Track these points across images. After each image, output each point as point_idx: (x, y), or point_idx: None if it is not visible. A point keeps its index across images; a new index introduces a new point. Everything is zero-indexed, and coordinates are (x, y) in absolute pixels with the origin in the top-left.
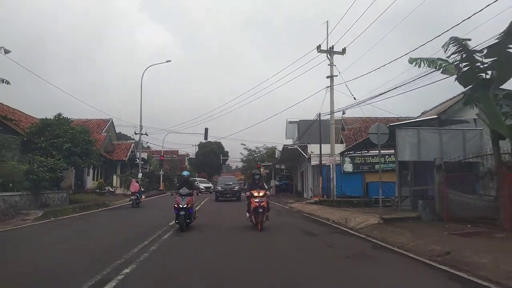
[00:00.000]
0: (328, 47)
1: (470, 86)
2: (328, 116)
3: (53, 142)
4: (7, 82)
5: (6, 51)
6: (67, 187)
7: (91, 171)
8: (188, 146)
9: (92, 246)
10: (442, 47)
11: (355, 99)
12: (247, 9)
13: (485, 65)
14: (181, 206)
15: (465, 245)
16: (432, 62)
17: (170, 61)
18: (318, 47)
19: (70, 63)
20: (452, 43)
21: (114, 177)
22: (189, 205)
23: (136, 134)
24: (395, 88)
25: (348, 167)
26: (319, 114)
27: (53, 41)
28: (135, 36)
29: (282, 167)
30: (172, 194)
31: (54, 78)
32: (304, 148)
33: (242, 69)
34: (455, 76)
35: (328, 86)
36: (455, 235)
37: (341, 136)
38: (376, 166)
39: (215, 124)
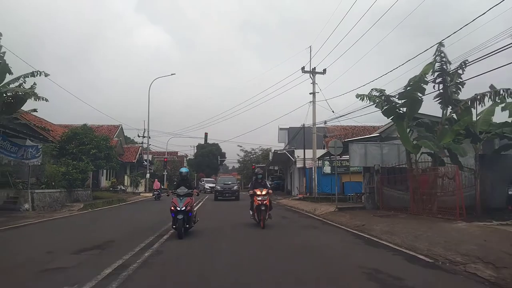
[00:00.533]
0: (311, 68)
1: (392, 117)
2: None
3: (82, 148)
4: (46, 100)
5: (46, 74)
6: (87, 185)
7: (104, 171)
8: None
9: (134, 224)
10: (368, 94)
11: (333, 112)
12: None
13: (399, 104)
14: (178, 208)
15: (375, 221)
16: (370, 98)
17: (174, 74)
18: (303, 68)
19: (65, 62)
20: (374, 90)
21: (126, 177)
22: (188, 207)
23: (139, 136)
24: (360, 109)
25: (327, 169)
26: (303, 125)
27: (48, 41)
28: (132, 36)
29: (276, 168)
30: (168, 195)
31: (49, 78)
32: (292, 153)
33: (238, 69)
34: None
35: (311, 101)
36: (376, 217)
37: (323, 142)
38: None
39: (213, 126)
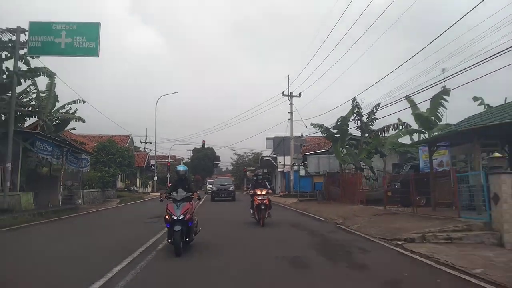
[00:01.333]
0: (289, 93)
1: (331, 140)
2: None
3: (110, 158)
4: (83, 121)
5: (84, 101)
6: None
7: (119, 175)
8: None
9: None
10: (318, 124)
11: (306, 127)
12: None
13: (334, 132)
14: (175, 217)
15: (315, 206)
16: (320, 127)
17: (177, 92)
18: (282, 93)
19: (56, 64)
20: (315, 125)
21: (138, 179)
22: (187, 216)
23: (141, 142)
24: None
25: (302, 172)
26: (283, 138)
27: None
28: (125, 37)
29: (265, 170)
30: (161, 199)
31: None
32: (275, 159)
33: (231, 71)
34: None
35: (289, 119)
36: (317, 204)
37: (301, 150)
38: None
39: (209, 132)
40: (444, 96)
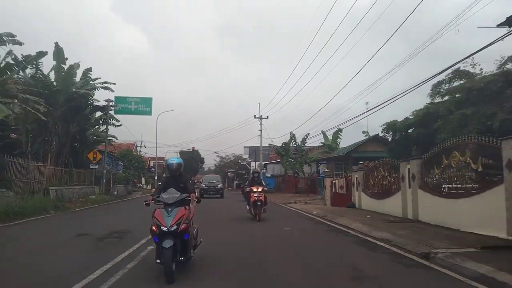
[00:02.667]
0: (260, 116)
1: (280, 155)
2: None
3: (130, 162)
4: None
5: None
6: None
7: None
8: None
9: None
10: (271, 146)
11: (272, 140)
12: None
13: (282, 150)
14: (164, 229)
15: (270, 196)
16: (273, 147)
17: (174, 110)
18: (255, 116)
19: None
20: (271, 145)
21: (143, 178)
22: (182, 226)
23: (138, 146)
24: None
25: (268, 174)
26: (255, 149)
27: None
28: (111, 38)
29: (243, 171)
30: (147, 204)
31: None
32: (249, 164)
33: (215, 72)
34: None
35: (259, 135)
36: (273, 194)
37: (268, 157)
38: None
39: (196, 132)
40: (340, 133)
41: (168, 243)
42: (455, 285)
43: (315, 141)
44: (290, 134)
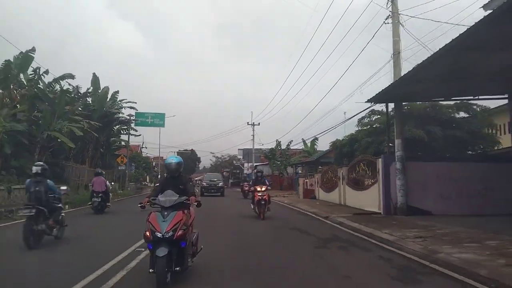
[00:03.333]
0: (252, 123)
1: (268, 159)
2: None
3: (138, 163)
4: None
5: (137, 135)
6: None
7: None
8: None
9: None
10: (260, 152)
11: (262, 144)
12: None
13: (270, 155)
14: (159, 235)
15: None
16: (262, 153)
17: (175, 115)
18: (248, 122)
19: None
20: (260, 150)
21: (148, 177)
22: (179, 232)
23: (141, 148)
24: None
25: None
26: (248, 151)
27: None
28: (106, 35)
29: (237, 171)
30: (142, 206)
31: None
32: (243, 164)
33: (211, 71)
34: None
35: (251, 140)
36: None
37: (260, 158)
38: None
39: (191, 131)
40: (316, 141)
41: (162, 251)
42: (336, 230)
43: (301, 145)
44: (276, 141)
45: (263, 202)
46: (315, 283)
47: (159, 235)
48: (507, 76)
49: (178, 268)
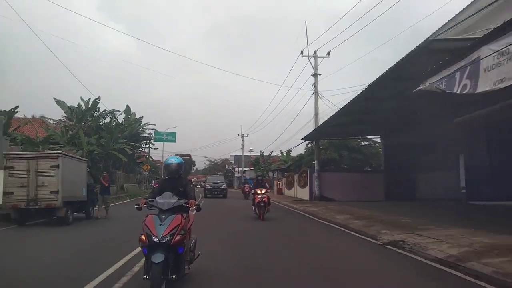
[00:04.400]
0: (242, 134)
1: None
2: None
3: (150, 168)
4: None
5: (155, 148)
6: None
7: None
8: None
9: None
10: (250, 161)
11: (252, 150)
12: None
13: (255, 163)
14: (155, 239)
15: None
16: (251, 161)
17: (176, 126)
18: (238, 134)
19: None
20: (250, 160)
21: (153, 180)
22: (177, 237)
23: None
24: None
25: (248, 177)
26: (239, 158)
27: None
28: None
29: (229, 174)
30: (139, 208)
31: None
32: (234, 169)
33: (203, 73)
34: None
35: (241, 148)
36: None
37: (248, 164)
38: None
39: (188, 137)
40: (290, 152)
41: (158, 257)
42: (285, 210)
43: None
44: (260, 152)
45: (262, 204)
46: (287, 222)
47: (155, 239)
48: (379, 125)
49: (174, 276)
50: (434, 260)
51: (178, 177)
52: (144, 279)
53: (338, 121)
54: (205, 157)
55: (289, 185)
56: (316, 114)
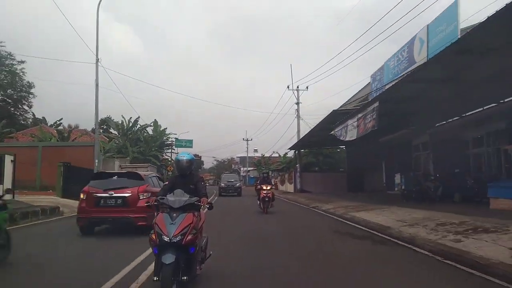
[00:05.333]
0: (247, 139)
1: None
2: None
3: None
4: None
5: (176, 153)
6: None
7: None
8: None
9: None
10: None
11: (255, 150)
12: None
13: (257, 164)
14: (166, 239)
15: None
16: (254, 163)
17: (188, 131)
18: (243, 138)
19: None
20: (253, 162)
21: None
22: (188, 237)
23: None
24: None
25: (252, 175)
26: (244, 159)
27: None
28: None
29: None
30: (149, 205)
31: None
32: (240, 169)
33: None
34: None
35: (245, 151)
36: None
37: (252, 163)
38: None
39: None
40: (287, 155)
41: (169, 258)
42: (277, 199)
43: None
44: (261, 154)
45: (267, 199)
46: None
47: (166, 239)
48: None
49: (185, 278)
50: (324, 211)
51: (189, 173)
52: (154, 280)
53: (313, 136)
54: (213, 157)
55: (282, 182)
56: (298, 131)
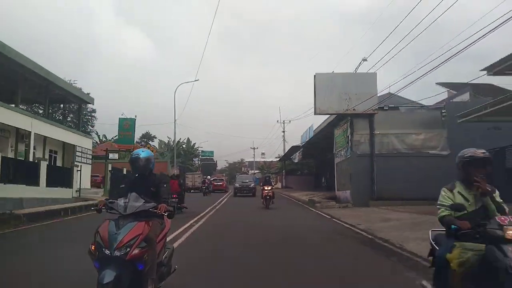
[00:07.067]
0: (253, 147)
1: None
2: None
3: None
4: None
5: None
6: None
7: None
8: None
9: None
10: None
11: (262, 153)
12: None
13: (261, 167)
14: (107, 252)
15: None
16: (258, 168)
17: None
18: (250, 147)
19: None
20: (258, 167)
21: None
22: (135, 251)
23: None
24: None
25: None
26: (252, 163)
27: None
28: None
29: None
30: (98, 210)
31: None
32: (248, 171)
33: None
34: None
35: (253, 157)
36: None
37: (257, 167)
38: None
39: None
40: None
41: (107, 276)
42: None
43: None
44: (265, 162)
45: (268, 197)
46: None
47: (106, 252)
48: (312, 155)
49: None
50: (293, 197)
51: (148, 174)
52: None
53: (289, 154)
54: (225, 160)
55: (276, 182)
56: (284, 150)
